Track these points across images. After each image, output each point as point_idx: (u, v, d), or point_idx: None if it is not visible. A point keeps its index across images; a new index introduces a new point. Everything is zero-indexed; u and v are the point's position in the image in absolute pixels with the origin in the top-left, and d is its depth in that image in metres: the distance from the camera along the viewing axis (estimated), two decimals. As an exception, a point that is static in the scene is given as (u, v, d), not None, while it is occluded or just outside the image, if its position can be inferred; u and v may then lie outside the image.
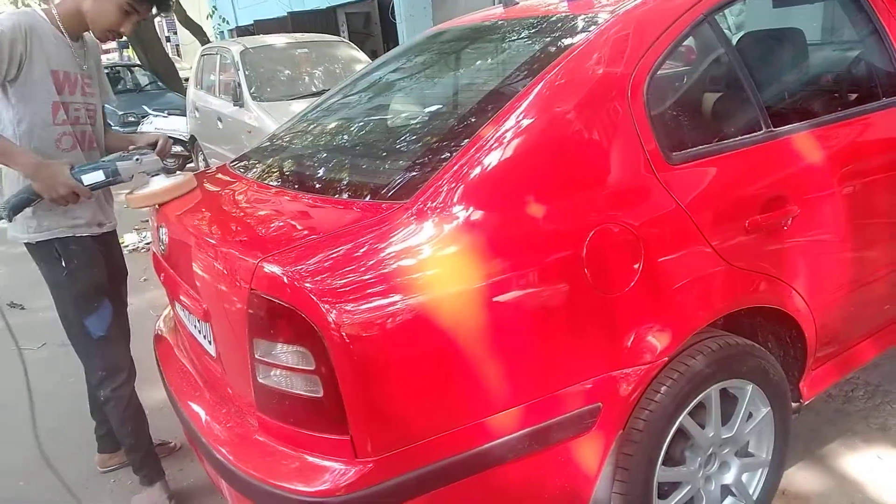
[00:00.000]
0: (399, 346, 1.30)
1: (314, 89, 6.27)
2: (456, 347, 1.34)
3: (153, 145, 1.99)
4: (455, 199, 1.40)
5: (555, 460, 1.47)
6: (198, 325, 1.70)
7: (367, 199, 1.52)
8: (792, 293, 1.76)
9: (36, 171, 1.77)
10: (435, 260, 1.35)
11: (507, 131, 1.48)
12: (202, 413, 1.65)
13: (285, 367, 1.35)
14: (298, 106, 5.43)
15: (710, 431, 1.69)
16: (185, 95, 8.35)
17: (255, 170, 1.95)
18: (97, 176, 1.83)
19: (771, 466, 1.83)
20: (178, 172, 1.97)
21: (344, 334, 1.26)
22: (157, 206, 1.93)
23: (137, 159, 1.87)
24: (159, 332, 2.20)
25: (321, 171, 1.82)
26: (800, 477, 2.06)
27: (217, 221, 1.69)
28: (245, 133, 5.77)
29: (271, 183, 1.83)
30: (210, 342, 1.64)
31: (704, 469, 1.71)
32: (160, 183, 1.90)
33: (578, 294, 1.44)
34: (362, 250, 1.34)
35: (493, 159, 1.45)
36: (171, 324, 2.15)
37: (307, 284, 1.29)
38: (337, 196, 1.60)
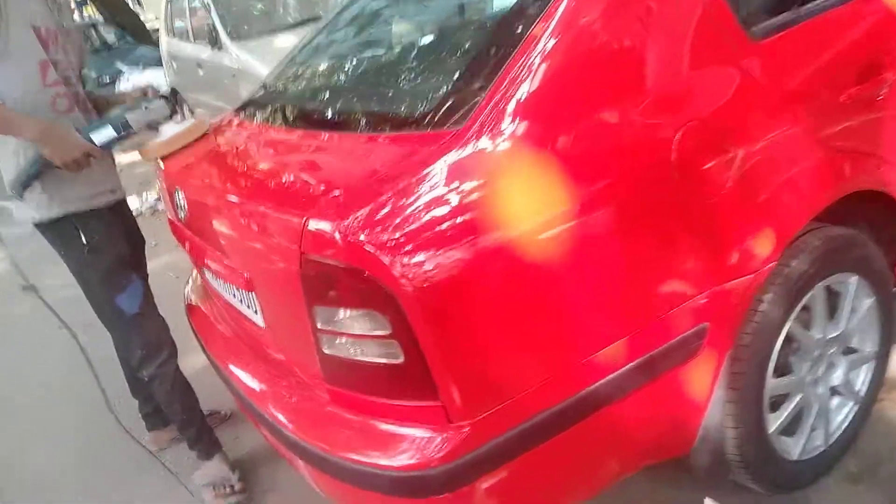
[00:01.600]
0: (482, 293, 1.13)
1: (292, 20, 5.87)
2: (546, 285, 1.17)
3: (145, 94, 1.84)
4: (516, 118, 1.19)
5: (663, 392, 1.32)
6: (238, 294, 1.53)
7: (414, 130, 1.30)
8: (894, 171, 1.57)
9: (44, 135, 1.62)
10: (506, 189, 1.15)
11: (563, 29, 1.24)
12: (262, 389, 1.50)
13: (355, 335, 1.18)
14: (281, 40, 5.08)
15: (817, 333, 1.53)
16: (156, 48, 7.91)
17: (269, 115, 1.72)
18: (107, 133, 1.67)
19: (877, 359, 1.69)
20: (184, 118, 1.82)
21: (418, 290, 1.08)
22: (161, 165, 1.75)
23: (145, 107, 1.72)
24: (190, 301, 2.03)
25: (350, 107, 1.58)
26: (898, 363, 1.93)
27: (244, 177, 1.47)
28: (229, 77, 5.43)
29: (295, 126, 1.60)
30: (256, 312, 1.47)
31: (813, 373, 1.57)
32: (173, 129, 1.74)
33: (671, 204, 1.26)
34: (420, 189, 1.14)
35: (552, 64, 1.22)
36: (202, 291, 1.98)
37: (365, 238, 1.10)
38: (376, 132, 1.38)
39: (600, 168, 1.21)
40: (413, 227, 1.11)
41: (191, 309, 1.98)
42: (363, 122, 1.45)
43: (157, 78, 7.55)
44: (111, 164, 1.93)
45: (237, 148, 1.65)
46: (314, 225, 1.15)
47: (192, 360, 2.27)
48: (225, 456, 2.04)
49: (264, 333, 1.49)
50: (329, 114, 1.57)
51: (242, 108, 1.93)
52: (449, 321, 1.12)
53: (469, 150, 1.17)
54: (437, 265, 1.09)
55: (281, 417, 1.39)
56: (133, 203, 5.05)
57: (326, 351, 1.24)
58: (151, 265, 2.20)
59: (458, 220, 1.12)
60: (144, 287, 1.96)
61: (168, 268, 3.59)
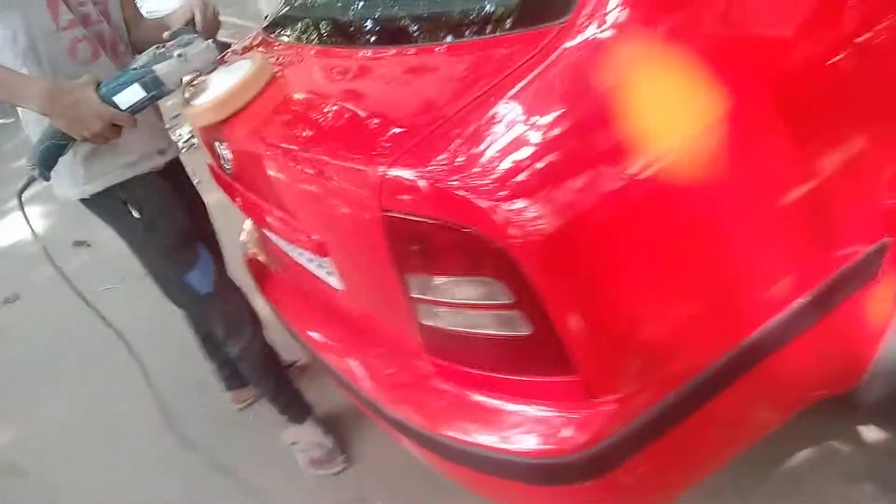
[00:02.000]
0: (625, 238, 0.89)
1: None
2: (703, 215, 0.92)
3: (191, 23, 1.40)
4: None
5: (836, 326, 1.08)
6: (307, 255, 1.31)
7: (501, 31, 1.01)
8: None
9: (50, 102, 1.24)
10: (641, 96, 0.88)
11: None
12: (352, 360, 1.31)
13: (461, 305, 0.96)
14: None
15: None
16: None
17: (304, 33, 1.43)
18: (134, 93, 1.27)
19: None
20: (237, 60, 1.38)
21: (541, 244, 0.84)
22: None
23: (180, 55, 1.27)
24: (249, 255, 1.84)
25: (409, 11, 1.26)
26: None
27: (294, 117, 1.21)
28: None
29: (340, 44, 1.31)
30: (331, 274, 1.26)
31: None
32: (225, 81, 1.29)
33: (853, 90, 0.97)
34: (525, 109, 0.88)
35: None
36: (261, 243, 1.78)
37: (460, 183, 0.86)
38: (452, 39, 1.10)
39: (759, 56, 0.92)
40: (523, 160, 0.85)
41: (251, 264, 1.79)
42: (426, 29, 1.17)
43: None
44: (158, 118, 1.63)
45: (283, 79, 1.37)
46: (398, 174, 0.91)
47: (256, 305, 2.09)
48: (317, 419, 1.88)
49: (343, 297, 1.28)
50: (382, 25, 1.27)
51: (270, 27, 1.65)
52: (587, 279, 0.88)
53: (581, 48, 0.89)
54: (562, 208, 0.85)
55: (381, 395, 1.21)
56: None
57: (426, 323, 1.03)
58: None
59: (582, 144, 0.86)
60: (216, 258, 1.71)
61: (215, 208, 3.41)
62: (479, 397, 1.05)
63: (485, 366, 1.02)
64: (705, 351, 0.98)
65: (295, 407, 1.86)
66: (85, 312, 1.52)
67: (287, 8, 1.64)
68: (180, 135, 4.83)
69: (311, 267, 1.34)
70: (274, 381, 1.82)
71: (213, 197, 1.95)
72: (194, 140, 4.72)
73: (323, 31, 1.40)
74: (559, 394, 0.96)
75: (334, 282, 1.27)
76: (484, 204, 0.85)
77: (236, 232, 2.00)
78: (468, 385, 1.06)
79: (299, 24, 1.51)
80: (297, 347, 1.73)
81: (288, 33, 1.52)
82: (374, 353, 1.27)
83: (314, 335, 1.42)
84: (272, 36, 1.59)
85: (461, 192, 0.86)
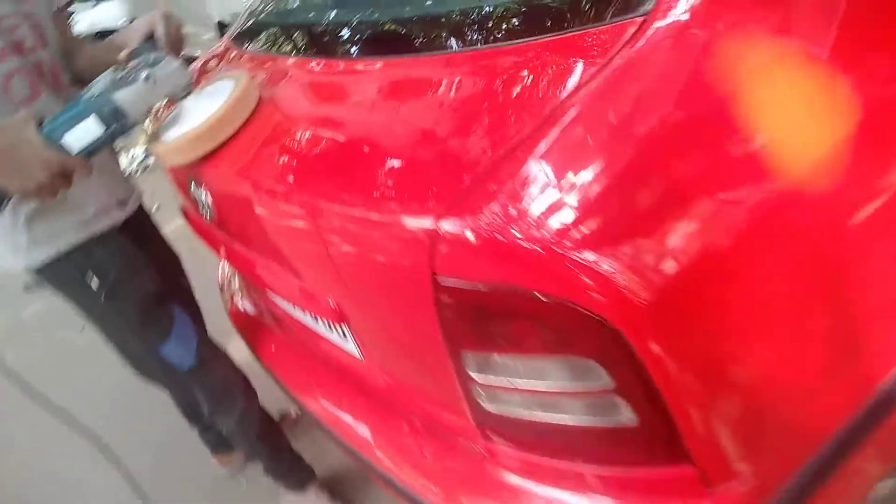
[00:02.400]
0: (760, 288, 0.70)
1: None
2: (845, 250, 0.74)
3: (151, 39, 1.12)
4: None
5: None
6: (321, 320, 1.08)
7: (561, 31, 0.80)
8: None
9: None
10: (762, 107, 0.69)
11: None
12: (377, 438, 1.07)
13: (540, 392, 0.75)
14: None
15: None
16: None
17: (298, 41, 1.18)
18: (89, 129, 0.98)
19: None
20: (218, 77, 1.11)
21: (659, 312, 0.64)
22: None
23: (147, 77, 1.00)
24: (234, 305, 1.59)
25: (441, 6, 0.99)
26: None
27: (300, 152, 0.94)
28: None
29: (353, 55, 1.05)
30: (347, 339, 1.03)
31: None
32: (203, 108, 1.02)
33: None
34: (614, 133, 0.68)
35: None
36: (248, 291, 1.53)
37: (546, 240, 0.64)
38: (500, 43, 0.87)
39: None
40: (621, 201, 0.65)
41: (238, 319, 1.54)
42: (456, 32, 0.94)
43: (115, 11, 6.66)
44: (114, 160, 1.36)
45: (267, 103, 1.10)
46: (455, 227, 0.69)
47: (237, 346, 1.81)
48: (320, 484, 1.64)
49: (363, 366, 1.06)
50: (398, 28, 1.02)
51: (241, 36, 1.40)
52: (711, 347, 0.69)
53: (676, 49, 0.70)
54: (678, 259, 0.65)
55: (416, 482, 0.99)
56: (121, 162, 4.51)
57: (489, 409, 0.81)
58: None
59: (683, 176, 0.67)
60: (194, 319, 1.43)
61: (179, 235, 3.12)
62: (552, 491, 0.84)
63: (562, 454, 0.82)
64: (837, 410, 0.79)
65: (294, 473, 1.61)
66: (47, 366, 1.26)
67: (263, 7, 1.39)
68: (133, 155, 4.50)
69: (322, 330, 1.11)
70: (270, 449, 1.57)
71: (174, 225, 1.67)
72: (149, 161, 4.40)
73: (316, 39, 1.14)
74: (666, 487, 0.76)
75: (352, 350, 1.04)
76: (575, 264, 0.64)
77: (208, 261, 1.73)
78: (536, 476, 0.85)
79: (281, 31, 1.26)
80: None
81: (266, 43, 1.27)
82: (404, 427, 1.05)
83: (329, 409, 1.19)
84: (244, 46, 1.34)
85: (541, 249, 0.64)
